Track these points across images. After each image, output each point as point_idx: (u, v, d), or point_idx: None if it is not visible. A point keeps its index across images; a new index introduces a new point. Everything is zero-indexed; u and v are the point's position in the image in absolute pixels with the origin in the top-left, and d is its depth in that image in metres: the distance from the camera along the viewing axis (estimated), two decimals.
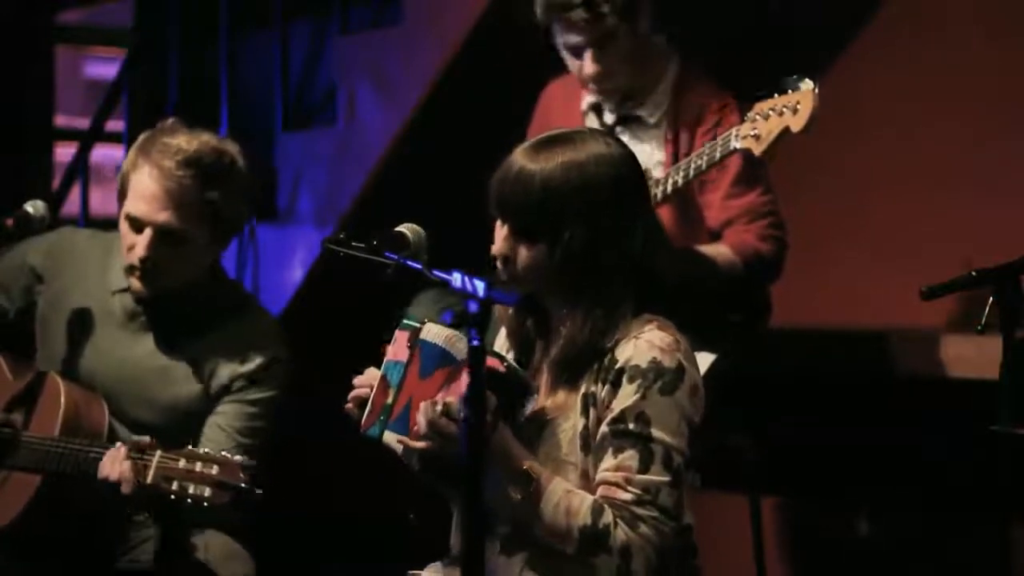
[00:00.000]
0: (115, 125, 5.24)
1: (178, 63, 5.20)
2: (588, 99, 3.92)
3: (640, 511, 2.52)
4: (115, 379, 3.26)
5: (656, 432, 2.54)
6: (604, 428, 2.56)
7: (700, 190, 3.79)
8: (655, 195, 3.58)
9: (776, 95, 3.43)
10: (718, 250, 3.72)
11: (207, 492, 2.86)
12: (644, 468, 2.53)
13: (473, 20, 4.48)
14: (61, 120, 5.91)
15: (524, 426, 2.62)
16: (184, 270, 3.25)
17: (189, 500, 2.86)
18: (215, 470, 2.86)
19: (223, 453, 2.91)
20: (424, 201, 3.53)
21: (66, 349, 3.31)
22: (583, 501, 2.54)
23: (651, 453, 2.53)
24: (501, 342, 2.79)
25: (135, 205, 3.19)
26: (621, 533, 2.51)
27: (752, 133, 3.44)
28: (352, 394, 2.67)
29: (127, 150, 3.36)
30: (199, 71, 5.20)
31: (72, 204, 5.17)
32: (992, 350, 2.97)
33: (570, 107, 3.94)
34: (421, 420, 2.53)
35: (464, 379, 2.46)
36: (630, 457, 2.53)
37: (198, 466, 2.88)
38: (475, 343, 2.30)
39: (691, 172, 3.58)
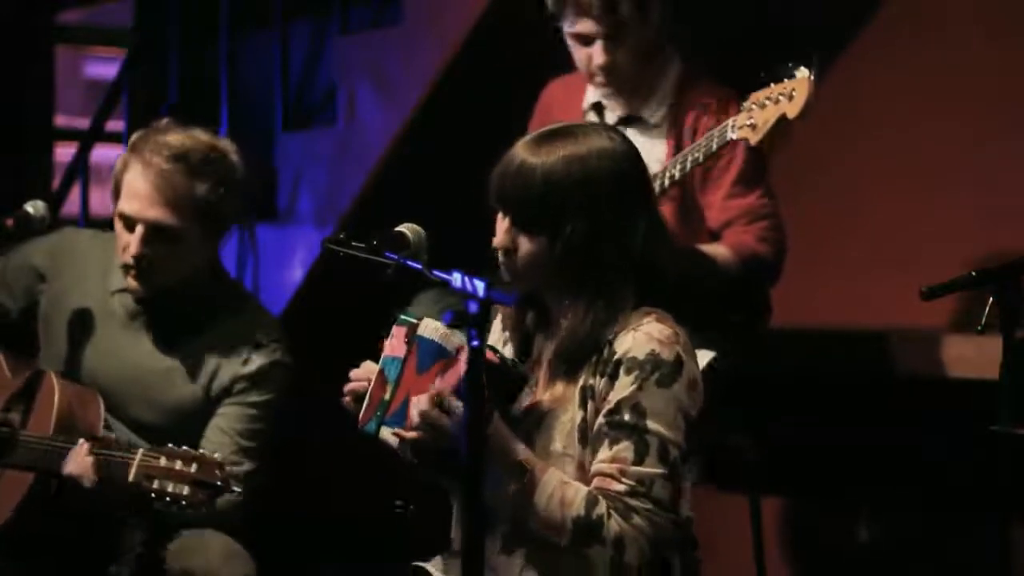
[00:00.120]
0: (115, 125, 5.24)
1: (178, 63, 5.20)
2: (590, 98, 3.91)
3: (634, 502, 2.52)
4: (117, 379, 3.27)
5: (652, 424, 2.54)
6: (600, 419, 2.57)
7: (702, 189, 3.79)
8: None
9: (772, 84, 3.44)
10: (717, 250, 3.72)
11: (185, 490, 2.87)
12: (639, 460, 2.53)
13: (473, 20, 4.48)
14: (61, 120, 5.91)
15: (522, 419, 2.63)
16: (179, 267, 3.24)
17: (168, 498, 2.87)
18: (194, 468, 2.88)
19: (202, 451, 2.92)
20: (424, 201, 3.53)
21: (68, 349, 3.32)
22: (577, 492, 2.54)
23: (646, 445, 2.53)
24: (497, 335, 2.79)
25: (126, 203, 3.20)
26: (614, 524, 2.51)
27: (748, 123, 3.44)
28: (348, 387, 2.67)
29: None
30: (199, 71, 5.20)
31: (72, 204, 5.17)
32: (992, 350, 2.97)
33: (571, 106, 3.94)
34: (414, 412, 2.53)
35: (456, 369, 2.48)
36: (625, 449, 2.53)
37: (178, 464, 2.89)
38: (475, 344, 2.30)
39: (688, 164, 3.58)
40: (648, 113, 3.84)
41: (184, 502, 2.87)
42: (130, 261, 3.21)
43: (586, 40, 3.75)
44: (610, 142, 2.65)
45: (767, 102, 3.42)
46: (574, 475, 2.58)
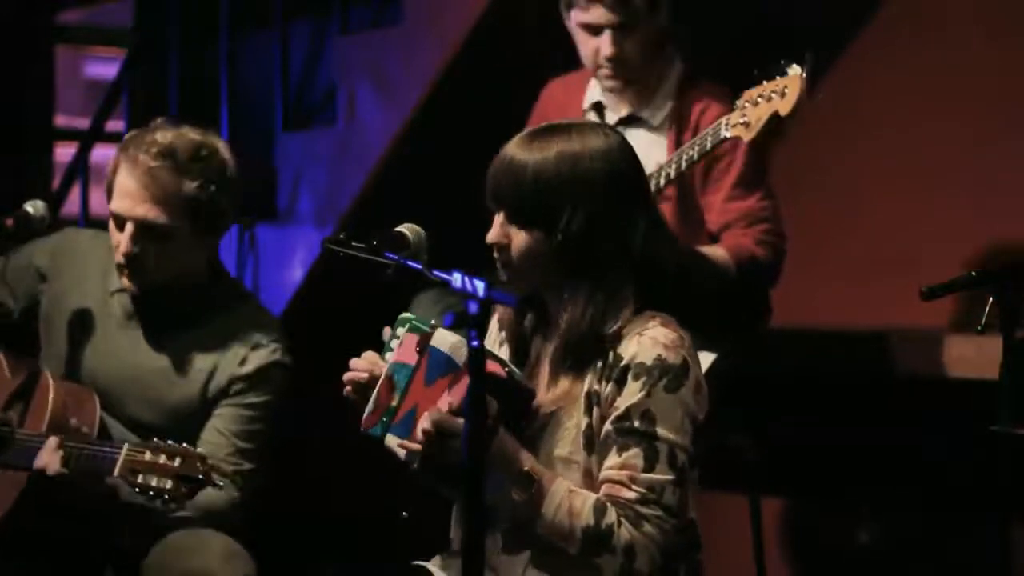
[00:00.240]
0: (115, 125, 5.24)
1: (178, 63, 5.20)
2: (590, 97, 3.92)
3: (644, 510, 2.52)
4: (117, 379, 3.26)
5: (661, 430, 2.54)
6: (608, 426, 2.56)
7: (702, 190, 3.79)
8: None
9: (764, 82, 3.44)
10: (715, 252, 3.72)
11: (169, 484, 2.88)
12: (649, 467, 2.53)
13: (473, 20, 4.48)
14: (61, 120, 5.90)
15: (525, 425, 2.62)
16: (171, 265, 3.24)
17: (152, 492, 2.88)
18: (177, 462, 2.88)
19: (184, 445, 2.92)
20: (424, 201, 3.53)
21: (68, 349, 3.32)
22: (585, 501, 2.54)
23: (656, 452, 2.53)
24: (494, 337, 2.79)
25: (116, 202, 3.20)
26: (625, 532, 2.51)
27: (742, 121, 3.45)
28: (349, 376, 2.66)
29: None
30: (199, 71, 5.19)
31: (72, 204, 5.17)
32: (992, 350, 2.97)
33: (571, 106, 3.94)
34: (420, 429, 2.53)
35: (465, 384, 2.47)
36: (635, 455, 2.53)
37: (162, 458, 2.90)
38: (475, 344, 2.30)
39: (684, 163, 3.58)
40: (649, 114, 3.84)
41: (167, 496, 2.88)
42: (121, 260, 3.21)
43: (595, 30, 3.75)
44: (604, 139, 2.64)
45: (759, 100, 3.43)
46: (579, 481, 2.57)
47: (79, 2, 6.08)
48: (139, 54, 5.32)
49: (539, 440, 2.61)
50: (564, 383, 2.62)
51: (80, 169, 5.12)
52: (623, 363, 2.56)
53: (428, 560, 2.78)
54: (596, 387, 2.59)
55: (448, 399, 2.54)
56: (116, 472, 2.93)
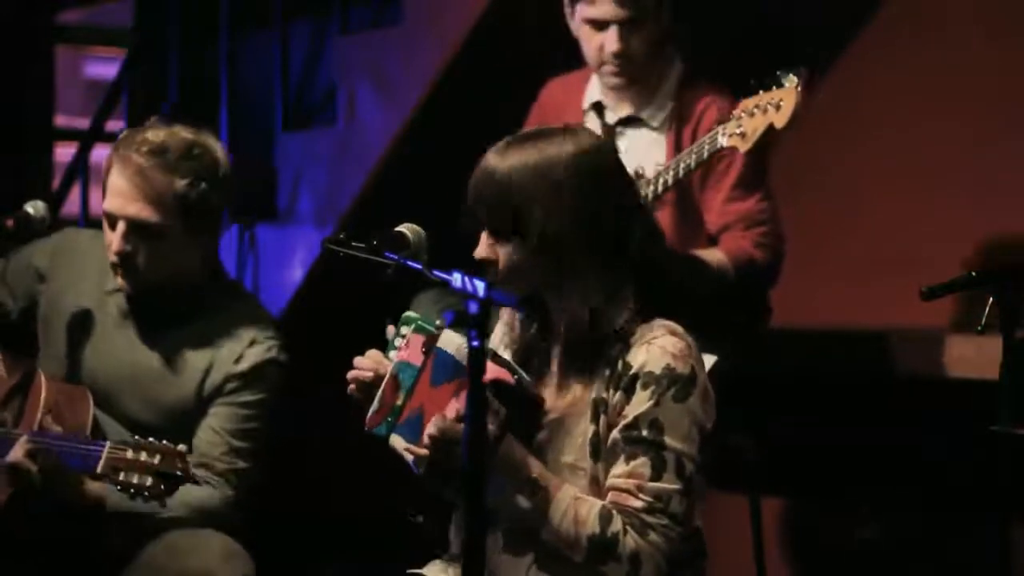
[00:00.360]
0: (115, 125, 5.24)
1: (178, 63, 5.20)
2: (590, 97, 3.91)
3: (650, 519, 2.52)
4: (115, 379, 3.26)
5: (669, 440, 2.54)
6: (616, 434, 2.56)
7: (701, 190, 3.79)
8: (646, 194, 3.58)
9: (760, 91, 3.45)
10: (713, 255, 3.72)
11: (148, 481, 2.89)
12: (656, 476, 2.53)
13: (473, 20, 4.48)
14: (61, 120, 5.91)
15: (533, 431, 2.61)
16: (164, 264, 3.23)
17: (132, 489, 2.89)
18: (157, 459, 2.89)
19: (164, 442, 2.92)
20: (424, 201, 3.53)
21: (66, 349, 3.32)
22: (591, 509, 2.53)
23: (663, 461, 2.53)
24: (498, 339, 2.79)
25: (108, 200, 3.21)
26: (631, 540, 2.51)
27: (738, 131, 3.45)
28: (353, 374, 2.65)
29: None
30: (199, 71, 5.20)
31: (72, 204, 5.17)
32: (992, 350, 2.97)
33: (570, 106, 3.93)
34: (428, 433, 2.53)
35: None
36: (642, 464, 2.53)
37: (143, 456, 2.90)
38: (475, 344, 2.29)
39: (680, 171, 3.59)
40: (649, 114, 3.84)
41: (147, 493, 2.89)
42: (114, 259, 3.21)
43: (601, 25, 3.74)
44: (583, 142, 2.62)
45: (756, 111, 3.43)
46: (586, 488, 2.57)
47: (79, 2, 6.09)
48: (139, 54, 5.33)
49: (547, 446, 2.61)
50: (573, 390, 2.61)
51: (80, 169, 5.12)
52: (632, 372, 2.56)
53: (422, 567, 2.77)
54: (604, 395, 2.59)
55: (456, 406, 2.54)
56: (99, 469, 2.93)
